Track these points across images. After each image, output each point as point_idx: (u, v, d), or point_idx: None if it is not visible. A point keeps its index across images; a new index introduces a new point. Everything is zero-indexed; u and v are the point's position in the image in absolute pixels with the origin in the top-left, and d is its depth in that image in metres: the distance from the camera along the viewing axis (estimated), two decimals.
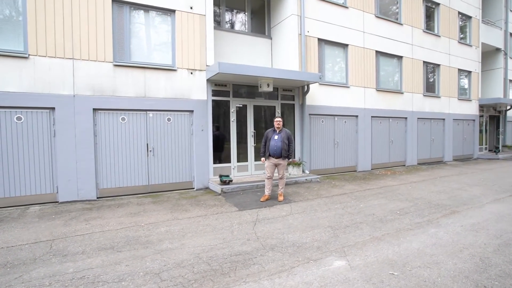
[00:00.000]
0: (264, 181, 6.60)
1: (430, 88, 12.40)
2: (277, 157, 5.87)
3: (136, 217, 5.01)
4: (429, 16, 12.39)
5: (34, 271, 3.21)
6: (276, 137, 5.89)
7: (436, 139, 12.60)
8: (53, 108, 5.71)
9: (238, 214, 5.21)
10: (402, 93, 11.16)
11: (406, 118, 11.32)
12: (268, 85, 7.38)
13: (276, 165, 5.98)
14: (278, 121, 5.95)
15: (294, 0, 8.44)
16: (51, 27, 5.63)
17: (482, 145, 15.47)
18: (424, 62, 11.88)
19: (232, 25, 9.03)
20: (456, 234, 4.23)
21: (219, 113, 7.63)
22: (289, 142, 5.93)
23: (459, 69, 13.26)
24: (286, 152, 5.86)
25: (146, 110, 6.57)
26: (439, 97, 12.54)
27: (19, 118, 5.49)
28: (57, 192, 5.80)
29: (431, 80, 12.50)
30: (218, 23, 8.63)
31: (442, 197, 6.43)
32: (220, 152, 7.76)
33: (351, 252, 3.63)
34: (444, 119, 12.74)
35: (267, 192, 6.07)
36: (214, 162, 7.65)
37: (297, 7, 8.48)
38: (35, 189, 5.65)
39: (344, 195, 6.61)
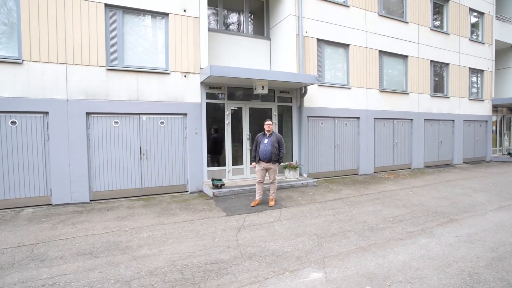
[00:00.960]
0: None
1: (438, 88, 11.94)
2: (267, 162, 5.76)
3: (122, 221, 5.01)
4: (437, 13, 11.93)
5: (9, 276, 3.23)
6: (266, 141, 5.78)
7: (445, 141, 12.11)
8: (47, 113, 5.81)
9: (225, 219, 5.14)
10: (407, 93, 10.79)
11: (411, 119, 10.93)
12: (262, 87, 7.27)
13: (266, 170, 5.87)
14: (268, 124, 5.84)
15: (292, 0, 8.29)
16: (44, 33, 5.72)
17: (496, 147, 14.77)
18: (431, 61, 11.44)
19: (231, 27, 8.97)
20: (448, 245, 4.00)
21: (214, 116, 7.57)
22: (280, 146, 5.80)
23: (470, 68, 12.71)
24: (276, 156, 5.73)
25: (139, 114, 6.59)
26: (448, 97, 12.05)
27: (13, 123, 5.61)
28: (51, 195, 5.90)
29: (440, 80, 12.03)
30: (216, 25, 8.59)
31: (443, 204, 6.14)
32: (219, 155, 7.70)
33: (331, 263, 3.49)
34: (453, 120, 12.24)
35: (257, 196, 5.97)
36: (212, 165, 7.61)
37: (294, 8, 8.33)
38: (29, 192, 5.76)
39: (339, 201, 6.41)
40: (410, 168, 11.03)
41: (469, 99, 12.78)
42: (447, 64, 12.01)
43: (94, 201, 6.27)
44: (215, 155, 7.69)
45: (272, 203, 5.92)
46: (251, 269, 3.37)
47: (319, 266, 3.43)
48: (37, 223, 4.93)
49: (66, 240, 4.22)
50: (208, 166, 7.51)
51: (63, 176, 5.93)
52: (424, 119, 11.29)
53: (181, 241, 4.20)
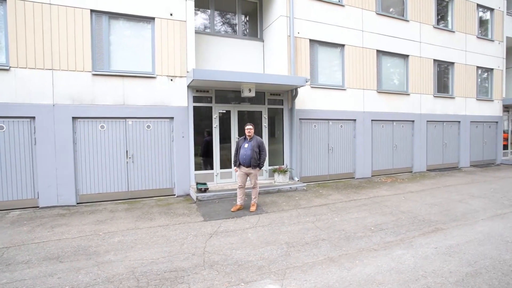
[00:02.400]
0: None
1: (442, 88, 11.46)
2: (247, 166, 5.67)
3: (99, 225, 5.06)
4: (441, 10, 11.46)
5: None
6: (246, 145, 5.70)
7: (450, 143, 11.61)
8: (34, 117, 5.96)
9: (200, 225, 5.09)
10: (408, 94, 10.41)
11: (413, 121, 10.54)
12: (249, 90, 7.19)
13: (247, 174, 5.79)
14: (248, 129, 5.76)
15: (283, 0, 8.16)
16: (31, 39, 5.87)
17: (508, 149, 14.03)
18: (434, 60, 10.99)
19: (223, 29, 8.94)
20: (423, 258, 3.79)
21: (202, 119, 7.56)
22: (260, 151, 5.71)
23: (477, 67, 12.14)
24: (256, 161, 5.64)
25: (125, 118, 6.66)
26: (453, 97, 11.55)
27: (1, 127, 5.78)
28: (38, 198, 6.04)
29: (444, 79, 11.55)
30: (207, 27, 8.58)
31: (433, 211, 5.86)
32: (211, 158, 7.66)
33: (292, 275, 3.37)
34: (459, 121, 11.72)
35: (239, 202, 5.89)
36: (206, 168, 7.60)
37: (286, 9, 8.19)
38: (17, 195, 5.93)
39: (324, 206, 6.24)
40: (411, 172, 10.64)
41: (477, 99, 12.20)
42: (452, 63, 11.51)
43: (80, 204, 6.38)
44: (208, 157, 7.67)
45: (253, 208, 5.83)
46: (208, 278, 3.30)
47: (278, 277, 3.32)
48: (18, 226, 5.05)
49: (38, 244, 4.29)
50: (201, 169, 7.52)
51: (50, 179, 6.06)
52: (427, 121, 10.86)
53: (149, 247, 4.18)
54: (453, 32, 11.40)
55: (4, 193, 5.84)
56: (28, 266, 3.63)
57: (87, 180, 6.41)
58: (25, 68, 5.87)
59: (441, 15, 11.47)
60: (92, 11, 6.34)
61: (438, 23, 11.22)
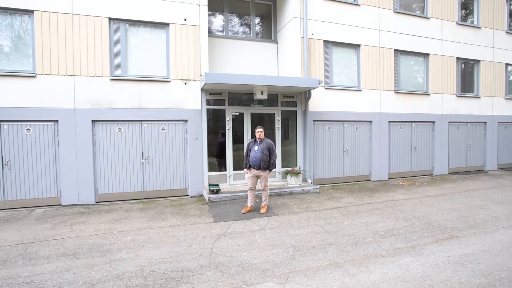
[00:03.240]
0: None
1: (466, 88, 10.91)
2: (257, 169, 5.73)
3: (114, 224, 5.31)
4: (466, 6, 10.90)
5: None
6: (256, 147, 5.75)
7: (474, 145, 11.04)
8: (57, 121, 6.35)
9: (210, 226, 5.21)
10: (428, 94, 10.01)
11: (433, 122, 10.13)
12: (262, 92, 7.24)
13: (257, 177, 5.84)
14: (259, 131, 5.81)
15: (296, 2, 8.13)
16: (55, 48, 6.26)
17: None
18: (458, 58, 10.49)
19: (237, 32, 9.04)
20: (433, 266, 3.67)
21: (215, 121, 7.70)
22: (270, 153, 5.74)
23: (507, 64, 11.44)
24: (265, 164, 5.68)
25: (141, 121, 6.92)
26: (479, 97, 10.96)
27: (28, 130, 6.21)
28: (61, 196, 6.43)
29: (468, 78, 10.98)
30: (221, 30, 8.72)
31: (450, 217, 5.63)
32: (224, 159, 7.78)
33: (294, 279, 3.38)
34: (485, 122, 11.11)
35: (249, 203, 5.96)
36: (220, 169, 7.73)
37: (299, 10, 8.16)
38: (42, 193, 6.34)
39: (335, 210, 6.17)
40: (431, 175, 10.23)
41: (506, 99, 11.50)
42: (478, 61, 10.93)
43: (99, 203, 6.71)
44: (221, 159, 7.80)
45: (263, 210, 5.87)
46: (212, 279, 3.39)
47: (280, 281, 3.35)
48: (42, 222, 5.41)
49: (58, 240, 4.58)
50: (214, 170, 7.66)
51: (71, 179, 6.43)
52: (449, 121, 10.39)
53: (159, 246, 4.34)
54: (479, 28, 10.82)
55: (31, 191, 6.27)
56: (48, 261, 3.89)
57: (105, 180, 6.73)
58: (50, 74, 6.26)
59: (466, 11, 10.92)
60: (110, 19, 6.65)
61: (462, 20, 10.69)
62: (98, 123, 6.64)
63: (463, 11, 10.82)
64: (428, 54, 9.98)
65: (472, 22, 10.91)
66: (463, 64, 10.80)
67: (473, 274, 3.48)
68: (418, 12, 9.96)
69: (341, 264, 3.77)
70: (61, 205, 6.44)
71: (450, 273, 3.49)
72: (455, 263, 3.75)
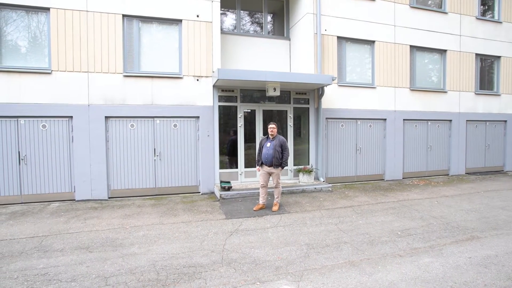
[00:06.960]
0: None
1: (485, 85, 10.52)
2: (269, 166, 5.65)
3: (127, 219, 5.33)
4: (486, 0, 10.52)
5: (14, 264, 3.64)
6: (268, 144, 5.67)
7: (494, 145, 10.64)
8: (71, 117, 6.43)
9: (221, 222, 5.16)
10: (445, 92, 9.71)
11: (450, 120, 9.82)
12: (274, 89, 7.15)
13: (269, 174, 5.76)
14: (271, 127, 5.73)
15: None
16: (70, 45, 6.34)
17: None
18: (477, 54, 10.14)
19: (249, 29, 8.98)
20: (454, 267, 3.51)
21: (227, 118, 7.66)
22: (282, 150, 5.65)
23: None
24: (278, 161, 5.59)
25: (153, 117, 6.95)
26: (499, 95, 10.56)
27: (44, 126, 6.32)
28: (75, 191, 6.51)
29: (488, 75, 10.60)
30: (234, 27, 8.67)
31: (470, 218, 5.41)
32: (236, 156, 7.74)
33: (309, 277, 3.29)
34: (505, 120, 10.70)
35: (261, 201, 5.89)
36: (231, 166, 7.69)
37: (312, 6, 8.03)
38: (57, 188, 6.44)
39: (349, 208, 6.03)
40: (448, 175, 9.92)
41: None
42: (499, 57, 10.53)
43: (112, 198, 6.77)
44: (233, 156, 7.76)
45: (275, 208, 5.79)
46: (225, 275, 3.34)
47: (294, 279, 3.27)
48: (56, 216, 5.49)
49: (72, 234, 4.62)
50: (226, 167, 7.62)
51: (85, 174, 6.51)
52: (466, 120, 10.05)
53: (171, 242, 4.32)
54: (500, 22, 10.42)
55: (46, 186, 6.37)
56: (62, 254, 3.92)
57: (118, 176, 6.79)
58: (65, 71, 6.34)
59: (485, 5, 10.54)
60: (124, 16, 6.69)
61: (481, 14, 10.32)
62: (111, 119, 6.69)
63: (482, 6, 10.43)
64: (445, 50, 9.67)
65: (492, 16, 10.52)
66: (482, 61, 10.43)
67: (498, 276, 3.31)
68: (435, 7, 9.67)
69: (357, 263, 3.65)
70: (75, 200, 6.52)
71: (473, 275, 3.33)
72: (477, 265, 3.58)
